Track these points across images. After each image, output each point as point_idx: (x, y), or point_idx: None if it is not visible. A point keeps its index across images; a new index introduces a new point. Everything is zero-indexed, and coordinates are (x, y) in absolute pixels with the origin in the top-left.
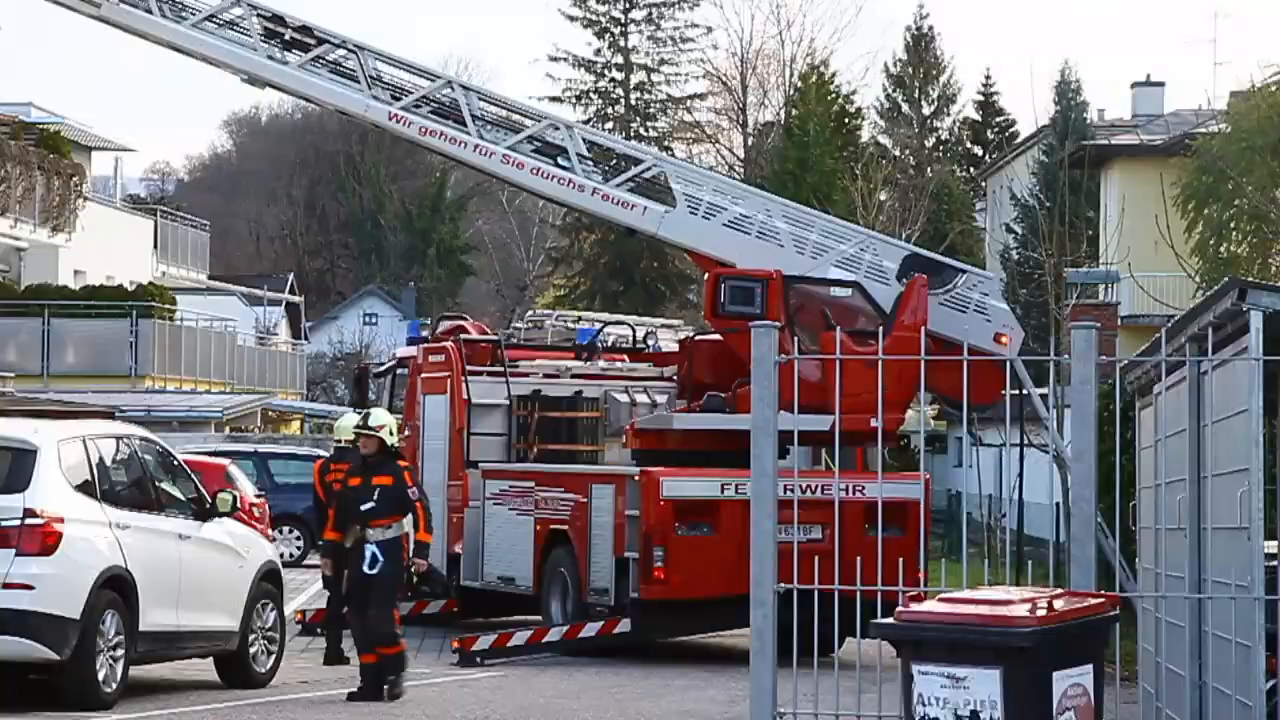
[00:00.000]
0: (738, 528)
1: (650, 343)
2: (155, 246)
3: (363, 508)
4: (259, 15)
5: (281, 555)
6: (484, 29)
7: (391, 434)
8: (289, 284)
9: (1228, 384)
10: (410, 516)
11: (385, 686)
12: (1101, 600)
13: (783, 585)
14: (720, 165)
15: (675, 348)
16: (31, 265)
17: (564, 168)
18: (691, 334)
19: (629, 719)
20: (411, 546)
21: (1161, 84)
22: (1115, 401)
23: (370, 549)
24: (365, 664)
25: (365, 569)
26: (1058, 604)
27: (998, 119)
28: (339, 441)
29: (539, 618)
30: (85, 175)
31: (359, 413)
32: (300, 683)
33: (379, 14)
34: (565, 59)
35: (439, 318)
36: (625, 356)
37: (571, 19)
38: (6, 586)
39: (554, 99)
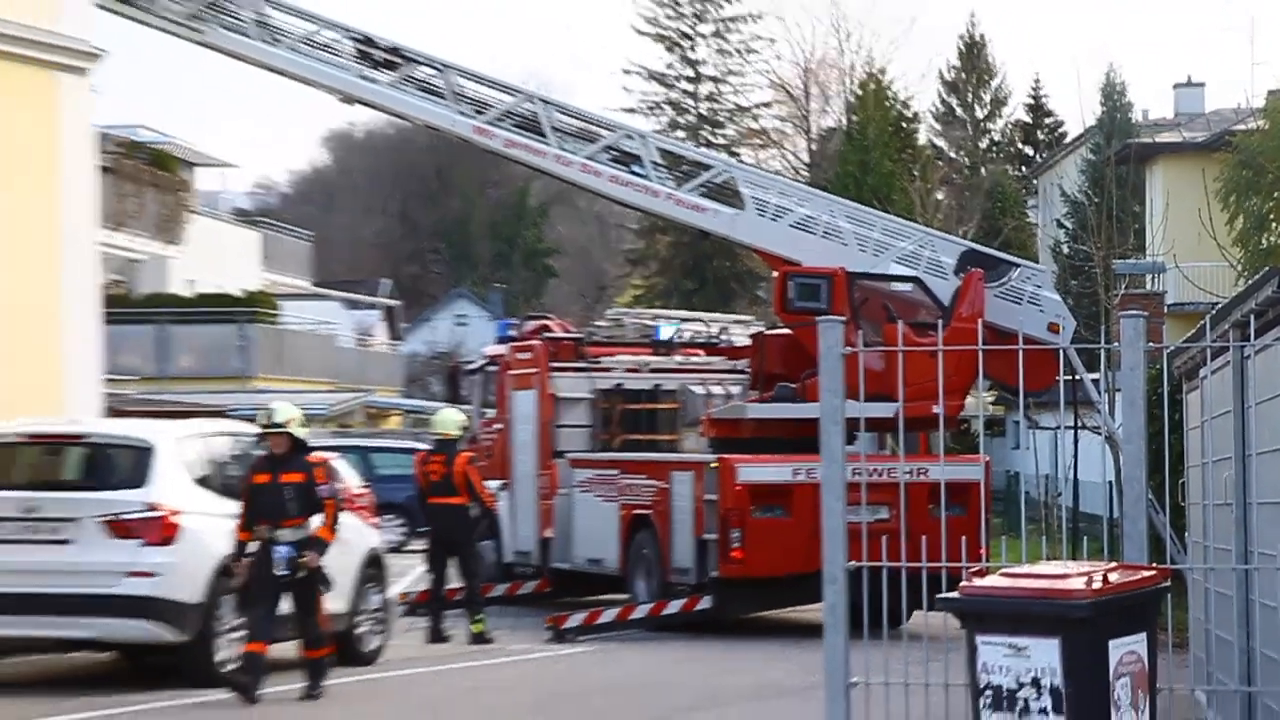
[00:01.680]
0: (809, 510)
1: (723, 337)
2: (261, 256)
3: (285, 508)
4: (351, 38)
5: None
6: (561, 44)
7: (302, 427)
8: (385, 289)
9: (1270, 367)
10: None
11: (312, 690)
12: (1154, 573)
13: (853, 563)
14: (786, 169)
15: (747, 342)
16: (146, 276)
17: (639, 175)
18: (762, 329)
19: (712, 691)
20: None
21: (1202, 84)
22: (1163, 385)
23: (281, 550)
24: (249, 653)
25: (275, 571)
26: (1112, 577)
27: (1047, 120)
28: (436, 435)
29: (625, 596)
30: (193, 190)
31: (455, 408)
32: (405, 659)
33: (461, 32)
34: (638, 73)
35: (525, 317)
36: (700, 351)
37: (643, 34)
38: (131, 575)
39: (628, 110)
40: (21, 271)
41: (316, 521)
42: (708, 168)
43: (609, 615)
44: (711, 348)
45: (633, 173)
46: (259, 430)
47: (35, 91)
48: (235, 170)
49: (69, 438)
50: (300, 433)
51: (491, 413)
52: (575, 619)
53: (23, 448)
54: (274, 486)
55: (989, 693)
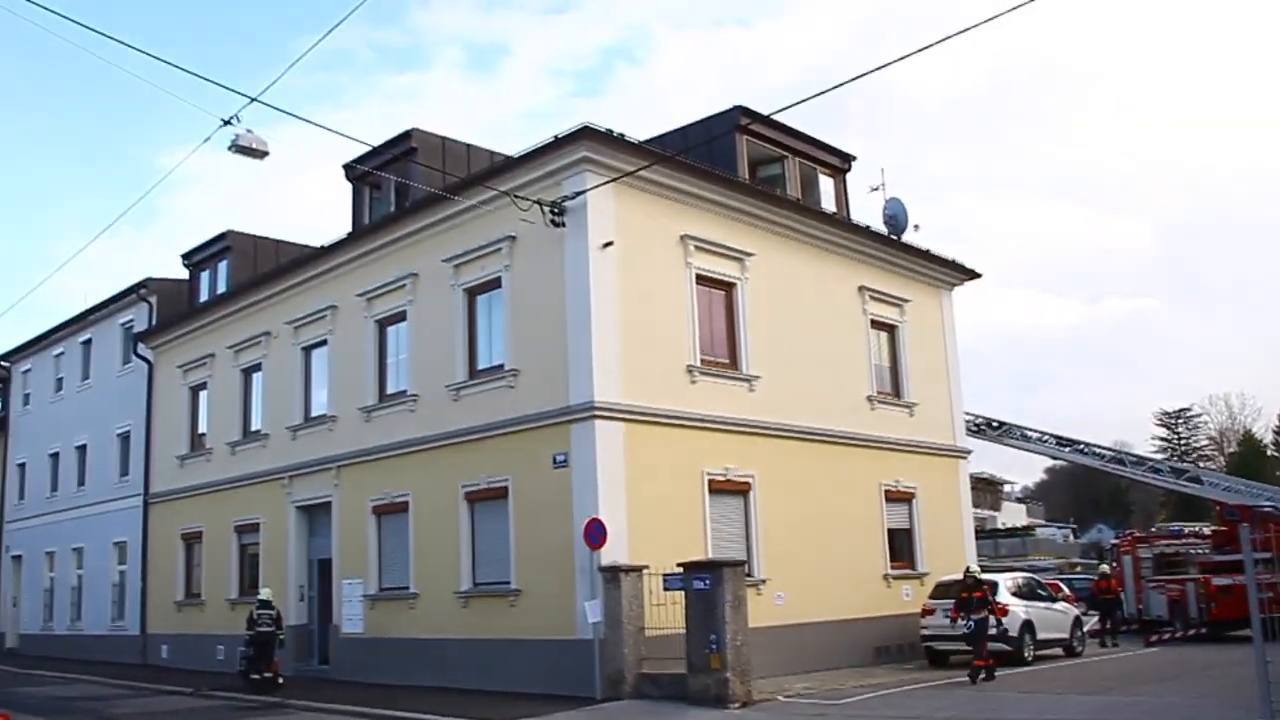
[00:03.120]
0: (1242, 593)
1: (1201, 530)
2: (1025, 513)
3: (973, 606)
4: (1051, 435)
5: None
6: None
7: (980, 571)
8: (1068, 522)
9: None
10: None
11: (980, 677)
12: None
13: (1263, 614)
14: (1218, 468)
15: (1209, 532)
16: (985, 522)
17: (1162, 475)
18: (1214, 527)
19: (1209, 662)
20: (991, 619)
21: None
22: None
23: (973, 620)
24: (976, 666)
25: (966, 628)
26: None
27: None
28: (1099, 572)
29: (1172, 627)
30: (1001, 491)
31: (1105, 564)
32: (1090, 654)
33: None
34: (1160, 441)
35: (1126, 531)
36: (1193, 535)
37: (1159, 424)
38: (995, 627)
39: (1153, 448)
40: (947, 524)
41: (989, 609)
42: (1188, 471)
43: (1166, 635)
44: (1197, 534)
45: (1161, 476)
46: (969, 574)
47: (948, 468)
48: (1013, 483)
49: (967, 579)
50: (979, 574)
51: (1115, 564)
52: (1154, 638)
53: (954, 583)
54: (969, 598)
55: None
